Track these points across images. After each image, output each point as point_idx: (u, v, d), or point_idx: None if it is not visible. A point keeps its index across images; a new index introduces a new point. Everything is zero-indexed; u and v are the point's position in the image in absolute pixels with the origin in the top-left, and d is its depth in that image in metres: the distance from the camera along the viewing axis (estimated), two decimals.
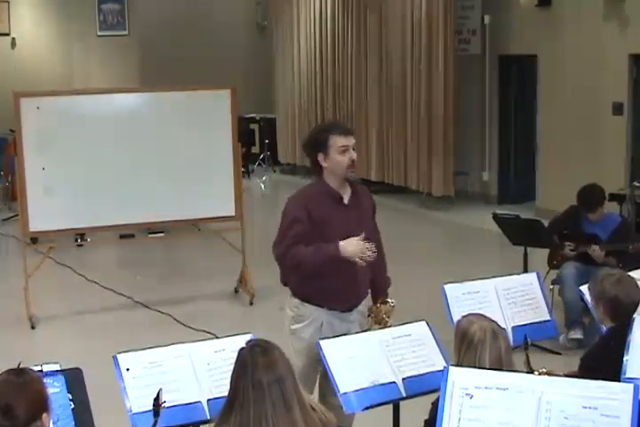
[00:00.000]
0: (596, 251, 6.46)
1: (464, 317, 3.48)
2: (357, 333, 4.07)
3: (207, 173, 7.71)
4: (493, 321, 3.41)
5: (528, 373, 3.92)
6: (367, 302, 4.49)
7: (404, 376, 3.71)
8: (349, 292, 4.29)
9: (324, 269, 4.14)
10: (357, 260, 4.10)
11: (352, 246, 4.09)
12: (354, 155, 4.22)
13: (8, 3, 15.30)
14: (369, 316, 4.45)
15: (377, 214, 4.57)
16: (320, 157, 4.21)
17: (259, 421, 2.78)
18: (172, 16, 15.75)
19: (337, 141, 4.18)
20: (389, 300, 4.48)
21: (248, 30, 16.80)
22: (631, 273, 4.26)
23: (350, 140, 4.22)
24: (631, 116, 9.76)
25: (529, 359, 4.00)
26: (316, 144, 4.24)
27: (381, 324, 4.40)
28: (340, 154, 4.18)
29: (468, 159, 12.17)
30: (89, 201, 7.40)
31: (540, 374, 3.91)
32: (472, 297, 4.37)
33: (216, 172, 7.76)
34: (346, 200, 4.29)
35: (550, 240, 6.78)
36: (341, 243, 4.09)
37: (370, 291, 4.49)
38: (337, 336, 3.89)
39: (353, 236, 4.12)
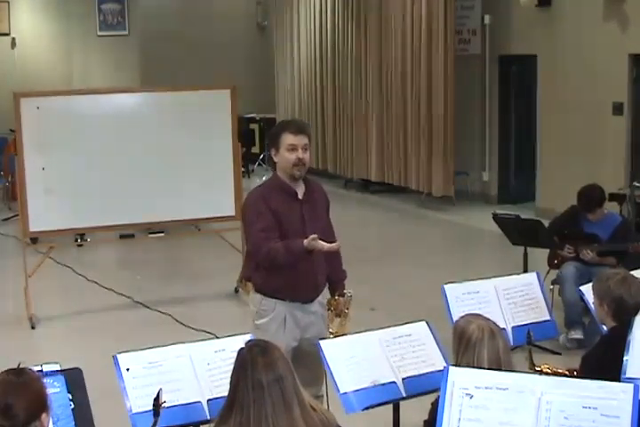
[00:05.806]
0: (588, 255, 6.45)
1: (462, 317, 3.49)
2: (332, 337, 4.12)
3: (207, 173, 7.71)
4: (491, 321, 3.41)
5: (530, 368, 3.94)
6: (327, 295, 4.61)
7: (404, 376, 3.71)
8: (308, 284, 4.41)
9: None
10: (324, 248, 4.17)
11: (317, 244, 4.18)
12: (301, 154, 4.30)
13: (8, 3, 15.32)
14: (329, 310, 4.57)
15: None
16: (272, 152, 4.41)
17: (259, 421, 2.78)
18: (171, 16, 15.78)
19: (286, 139, 4.31)
20: (347, 291, 4.58)
21: (248, 30, 16.82)
22: (631, 273, 4.25)
23: (300, 140, 4.31)
24: (631, 116, 9.75)
25: (532, 355, 4.00)
26: (270, 140, 4.44)
27: (341, 316, 4.55)
28: (288, 152, 4.30)
29: (468, 159, 12.17)
30: (89, 201, 7.40)
31: (542, 369, 3.92)
32: (472, 297, 4.38)
33: (216, 172, 7.76)
34: (300, 195, 4.41)
35: (550, 240, 6.77)
36: (305, 241, 4.16)
37: (327, 284, 4.60)
38: (301, 327, 4.31)
39: (306, 230, 4.27)
